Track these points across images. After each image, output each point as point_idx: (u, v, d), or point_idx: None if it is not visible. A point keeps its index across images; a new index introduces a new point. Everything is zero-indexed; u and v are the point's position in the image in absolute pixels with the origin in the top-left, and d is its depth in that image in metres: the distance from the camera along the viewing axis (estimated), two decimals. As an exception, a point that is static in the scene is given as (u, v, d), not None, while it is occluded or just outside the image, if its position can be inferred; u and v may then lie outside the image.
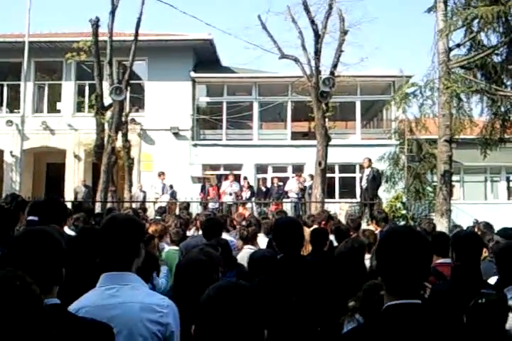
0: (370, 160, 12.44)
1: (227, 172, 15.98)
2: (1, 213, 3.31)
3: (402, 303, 1.61)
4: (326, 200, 12.91)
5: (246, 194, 14.95)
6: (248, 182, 15.41)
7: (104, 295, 2.05)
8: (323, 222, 6.28)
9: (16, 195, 3.86)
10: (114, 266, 2.09)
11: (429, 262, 1.71)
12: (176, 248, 5.28)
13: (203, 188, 14.96)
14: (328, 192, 14.21)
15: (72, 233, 4.39)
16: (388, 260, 1.66)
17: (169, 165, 16.72)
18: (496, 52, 10.90)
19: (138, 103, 18.81)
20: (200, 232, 5.58)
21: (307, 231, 5.04)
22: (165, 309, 2.05)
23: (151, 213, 11.88)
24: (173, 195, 14.45)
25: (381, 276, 1.73)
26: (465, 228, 7.56)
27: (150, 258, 3.58)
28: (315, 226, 6.00)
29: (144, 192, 15.03)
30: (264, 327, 1.41)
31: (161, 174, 14.83)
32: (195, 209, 13.40)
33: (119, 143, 13.70)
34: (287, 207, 13.92)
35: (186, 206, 9.96)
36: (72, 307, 2.03)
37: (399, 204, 15.06)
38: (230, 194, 14.61)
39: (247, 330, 1.35)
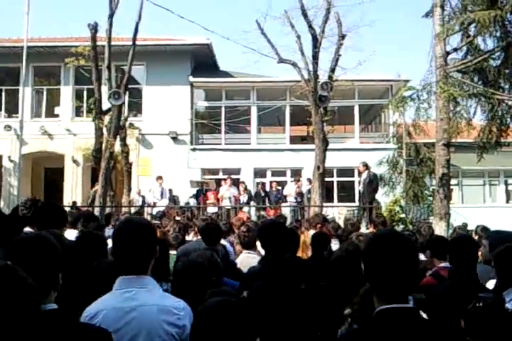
0: (365, 165, 12.45)
1: (226, 176, 15.99)
2: (6, 219, 3.30)
3: (393, 308, 1.61)
4: (325, 204, 12.91)
5: (243, 198, 14.95)
6: (245, 187, 15.40)
7: (122, 298, 2.06)
8: (319, 225, 6.29)
9: (35, 200, 3.81)
10: (132, 270, 2.10)
11: (416, 265, 1.70)
12: (175, 252, 5.27)
13: (198, 192, 14.89)
14: (327, 196, 14.22)
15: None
16: (375, 265, 1.66)
17: (168, 170, 16.71)
18: (493, 56, 10.96)
19: (136, 107, 18.83)
20: (200, 237, 5.57)
21: (309, 235, 5.06)
22: (181, 311, 2.08)
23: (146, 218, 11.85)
24: (173, 199, 14.43)
25: (369, 282, 1.72)
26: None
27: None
28: (311, 230, 5.99)
29: (143, 196, 15.01)
30: (254, 336, 1.48)
31: (159, 178, 14.81)
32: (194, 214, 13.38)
33: (117, 147, 13.69)
34: (286, 212, 13.92)
35: (182, 211, 9.93)
36: (91, 311, 2.05)
37: (397, 208, 15.05)
38: (230, 198, 14.60)
39: None
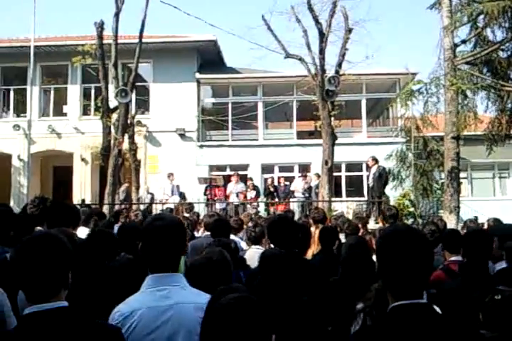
0: (374, 159, 12.38)
1: (233, 172, 15.99)
2: (15, 218, 3.32)
3: (407, 304, 1.59)
4: (333, 199, 12.88)
5: (251, 194, 14.95)
6: (253, 183, 15.39)
7: (156, 296, 2.04)
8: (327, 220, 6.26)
9: (44, 198, 3.82)
10: (163, 267, 2.08)
11: (431, 260, 1.68)
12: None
13: (207, 188, 14.93)
14: (335, 190, 14.18)
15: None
16: (389, 261, 1.64)
17: (175, 167, 16.74)
18: (502, 47, 10.84)
19: (143, 105, 18.87)
20: (207, 233, 5.59)
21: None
22: None
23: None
24: (181, 195, 14.47)
25: (383, 278, 1.71)
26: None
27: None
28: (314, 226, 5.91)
29: (152, 193, 15.05)
30: (270, 333, 1.47)
31: (171, 175, 14.83)
32: (203, 210, 13.42)
33: (125, 145, 13.74)
34: (294, 207, 13.90)
35: (191, 207, 9.92)
36: (124, 310, 2.02)
37: (407, 202, 15.01)
38: (237, 194, 14.61)
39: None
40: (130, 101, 13.55)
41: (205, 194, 14.71)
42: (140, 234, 2.27)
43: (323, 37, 12.51)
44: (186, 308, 2.02)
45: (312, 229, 5.50)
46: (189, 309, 2.02)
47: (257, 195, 15.10)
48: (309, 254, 4.93)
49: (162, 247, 2.07)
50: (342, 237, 5.35)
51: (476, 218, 10.30)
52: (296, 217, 9.04)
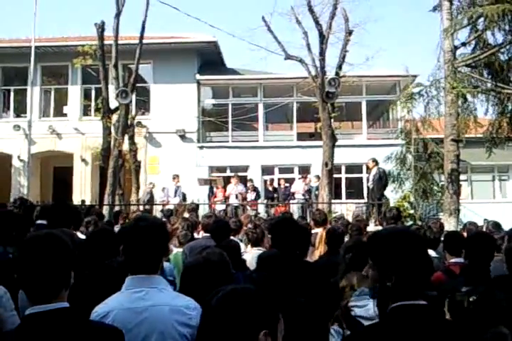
0: (374, 161, 12.38)
1: (233, 174, 16.00)
2: (16, 218, 3.34)
3: (406, 304, 1.59)
4: (333, 201, 12.88)
5: (251, 195, 14.96)
6: (253, 185, 15.39)
7: (133, 298, 2.04)
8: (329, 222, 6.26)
9: (24, 199, 3.89)
10: (142, 269, 2.08)
11: (427, 261, 1.67)
12: (181, 250, 5.29)
13: (211, 190, 15.00)
14: (335, 192, 14.17)
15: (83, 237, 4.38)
16: (384, 263, 1.64)
17: (176, 168, 16.74)
18: (502, 50, 10.87)
19: (144, 106, 18.88)
20: (205, 234, 5.60)
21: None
22: (193, 311, 2.05)
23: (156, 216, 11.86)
24: (183, 197, 14.50)
25: (380, 280, 1.70)
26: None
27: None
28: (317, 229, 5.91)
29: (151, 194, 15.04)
30: (275, 322, 1.44)
31: (176, 177, 14.86)
32: (202, 211, 13.41)
33: (125, 146, 13.74)
34: (294, 209, 13.90)
35: (194, 208, 9.92)
36: (101, 310, 2.03)
37: (406, 204, 15.00)
38: (236, 196, 14.62)
39: (253, 334, 1.37)
40: (130, 102, 13.55)
41: (209, 197, 14.76)
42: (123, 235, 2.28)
43: (323, 38, 12.52)
44: (161, 310, 2.02)
45: (319, 230, 5.50)
46: (164, 311, 2.02)
47: (257, 197, 15.11)
48: (316, 255, 4.94)
49: (143, 248, 2.07)
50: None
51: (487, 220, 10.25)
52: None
